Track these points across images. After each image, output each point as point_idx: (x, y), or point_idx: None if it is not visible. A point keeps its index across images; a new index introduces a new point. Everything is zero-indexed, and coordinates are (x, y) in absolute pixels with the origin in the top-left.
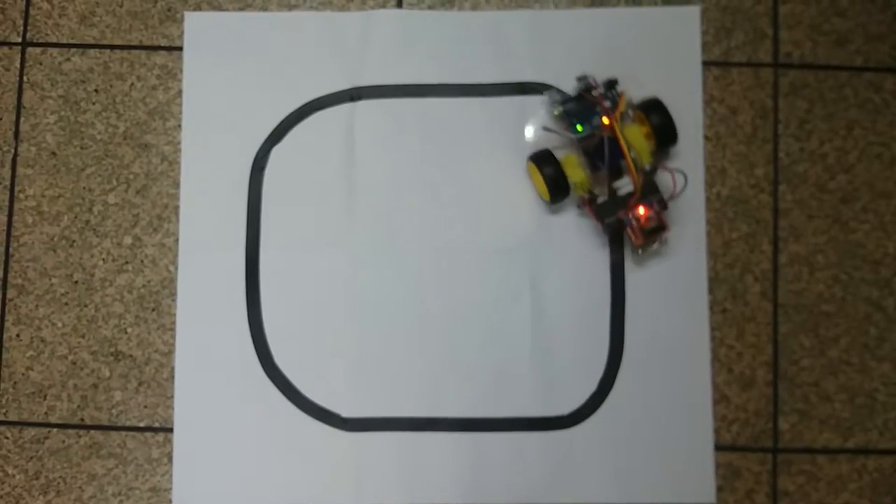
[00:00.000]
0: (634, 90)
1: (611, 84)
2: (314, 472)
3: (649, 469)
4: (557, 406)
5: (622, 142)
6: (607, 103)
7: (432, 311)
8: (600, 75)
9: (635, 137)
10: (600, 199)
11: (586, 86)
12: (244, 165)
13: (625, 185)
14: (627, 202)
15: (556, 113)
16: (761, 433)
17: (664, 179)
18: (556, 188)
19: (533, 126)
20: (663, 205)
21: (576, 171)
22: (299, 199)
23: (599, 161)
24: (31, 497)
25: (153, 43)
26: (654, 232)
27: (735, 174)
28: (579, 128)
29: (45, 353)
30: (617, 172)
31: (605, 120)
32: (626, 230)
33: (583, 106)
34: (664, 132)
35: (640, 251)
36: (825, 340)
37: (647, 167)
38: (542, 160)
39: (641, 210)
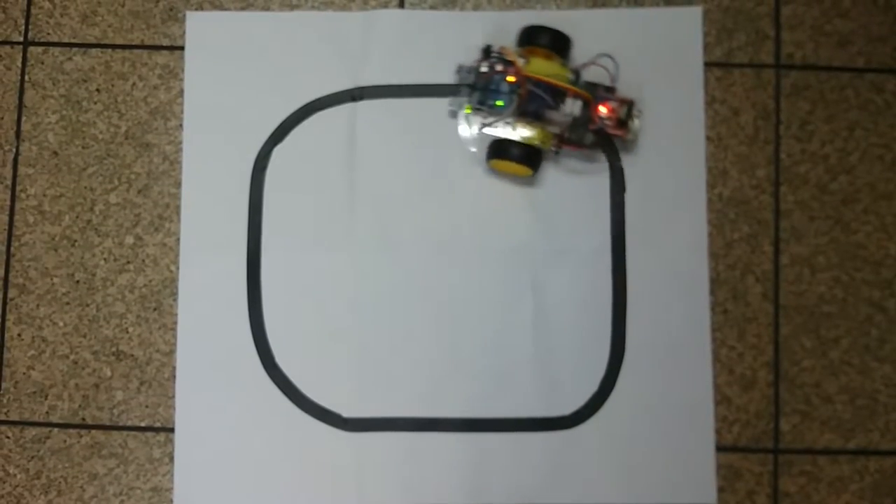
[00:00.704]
0: (636, 91)
1: (486, 51)
2: (315, 472)
3: (650, 469)
4: (559, 406)
5: (541, 78)
6: (499, 67)
7: (434, 311)
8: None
9: (543, 66)
10: (567, 134)
11: (471, 70)
12: (246, 165)
13: (572, 105)
14: (588, 114)
15: (468, 112)
16: (762, 434)
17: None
18: (532, 159)
19: (465, 131)
20: (611, 90)
21: (530, 132)
22: (301, 199)
23: (539, 108)
24: (33, 496)
25: (155, 42)
26: (628, 115)
27: (736, 175)
28: (499, 103)
29: (47, 353)
30: (559, 102)
31: (512, 78)
32: (610, 134)
33: (484, 86)
34: (557, 43)
35: (632, 137)
36: (826, 341)
37: (572, 76)
38: (502, 150)
39: (603, 109)
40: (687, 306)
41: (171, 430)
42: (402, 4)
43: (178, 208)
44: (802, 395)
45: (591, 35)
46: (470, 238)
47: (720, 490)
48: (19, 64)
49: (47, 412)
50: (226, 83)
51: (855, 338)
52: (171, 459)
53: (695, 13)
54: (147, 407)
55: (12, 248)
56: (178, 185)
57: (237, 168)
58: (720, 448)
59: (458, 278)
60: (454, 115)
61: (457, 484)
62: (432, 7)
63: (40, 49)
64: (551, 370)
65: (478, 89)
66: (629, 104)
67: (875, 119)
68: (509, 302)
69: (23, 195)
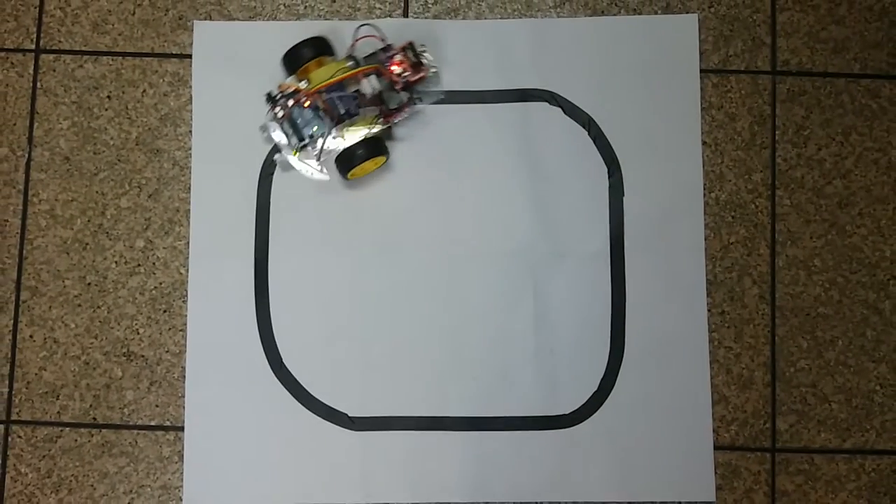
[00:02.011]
0: (634, 97)
1: (269, 97)
2: (322, 470)
3: (650, 467)
4: (559, 405)
5: (328, 83)
6: (289, 102)
7: (437, 312)
8: (597, 82)
9: (322, 74)
10: (385, 107)
11: (271, 123)
12: (253, 170)
13: (368, 83)
14: (387, 79)
15: (296, 155)
16: (760, 433)
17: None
18: (377, 147)
19: (308, 171)
20: (387, 48)
21: (358, 128)
22: (307, 204)
23: (349, 106)
24: (44, 495)
25: (165, 50)
26: (416, 56)
27: (733, 179)
28: (315, 128)
29: (59, 354)
30: (354, 92)
31: (307, 102)
32: (416, 81)
33: (292, 125)
34: (318, 48)
35: (433, 70)
36: (822, 342)
37: (351, 62)
38: (348, 159)
39: (394, 67)
40: (685, 307)
41: (181, 428)
42: (405, 13)
43: (187, 212)
44: (799, 395)
45: (590, 42)
46: (472, 241)
47: (718, 488)
48: (31, 71)
49: (59, 412)
50: (233, 90)
51: (851, 339)
52: (181, 458)
53: (691, 20)
54: (157, 406)
55: (25, 252)
56: (188, 189)
57: (245, 173)
58: (718, 447)
59: (460, 280)
60: (286, 167)
61: (460, 481)
62: (436, 16)
63: (52, 57)
64: (552, 370)
65: (289, 132)
66: (409, 47)
67: (870, 124)
68: (511, 303)
69: (35, 199)
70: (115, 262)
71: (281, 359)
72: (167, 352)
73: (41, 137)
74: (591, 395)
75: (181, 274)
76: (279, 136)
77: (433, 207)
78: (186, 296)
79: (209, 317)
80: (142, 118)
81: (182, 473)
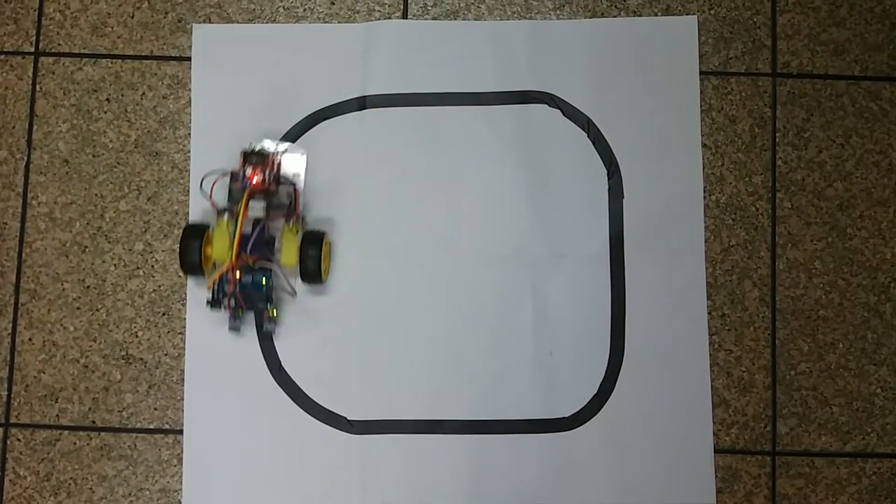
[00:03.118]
0: (634, 99)
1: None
2: (321, 474)
3: (650, 471)
4: (559, 408)
5: (231, 265)
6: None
7: (436, 315)
8: (597, 84)
9: (219, 249)
10: (285, 210)
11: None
12: None
13: (254, 209)
14: (260, 189)
15: (273, 312)
16: (760, 436)
17: None
18: (316, 237)
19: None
20: (226, 174)
21: (288, 239)
22: (306, 207)
23: (259, 247)
24: (43, 498)
25: (164, 53)
26: (261, 152)
27: (733, 182)
28: (263, 303)
29: (57, 357)
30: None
31: (230, 282)
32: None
33: (236, 305)
34: (196, 232)
35: (291, 149)
36: (823, 345)
37: (226, 216)
38: (310, 267)
39: (255, 179)
40: (685, 310)
41: (180, 432)
42: (405, 15)
43: (186, 215)
44: (799, 398)
45: (589, 44)
46: (471, 243)
47: (718, 492)
48: (30, 74)
49: (57, 415)
50: (232, 94)
51: (851, 341)
52: (180, 461)
53: (691, 22)
54: (156, 409)
55: (24, 255)
56: (187, 192)
57: None
58: (718, 450)
59: (459, 283)
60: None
61: (459, 485)
62: (435, 18)
63: (51, 59)
64: (551, 373)
65: (230, 306)
66: (245, 156)
67: (871, 126)
68: (510, 306)
69: (34, 202)
70: (114, 265)
71: (280, 362)
72: (166, 355)
73: (40, 140)
74: (590, 398)
75: (180, 277)
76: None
77: (432, 209)
78: (185, 299)
79: (208, 320)
80: (141, 121)
81: (181, 476)
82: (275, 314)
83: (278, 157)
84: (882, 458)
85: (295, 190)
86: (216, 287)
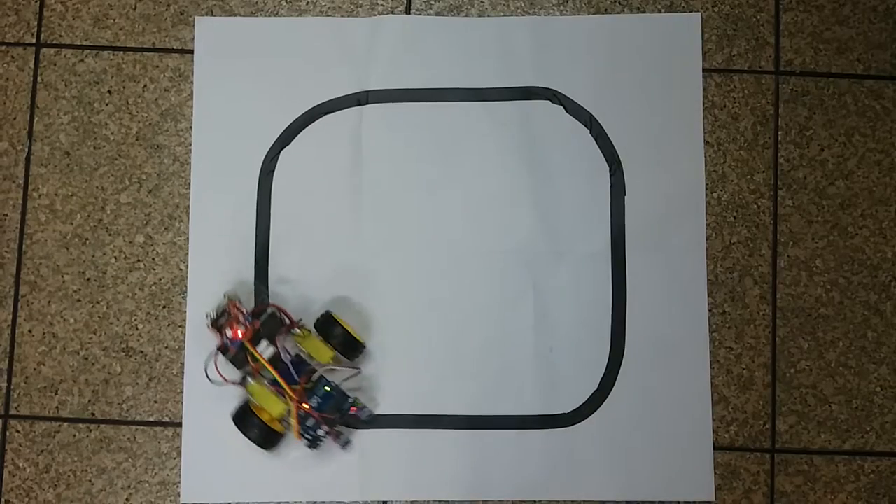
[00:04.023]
0: (636, 96)
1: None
2: (320, 468)
3: (649, 467)
4: (559, 404)
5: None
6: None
7: (437, 310)
8: (600, 81)
9: (267, 399)
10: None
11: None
12: (254, 167)
13: (265, 350)
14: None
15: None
16: (759, 434)
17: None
18: (349, 346)
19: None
20: (210, 317)
21: (315, 347)
22: (307, 201)
23: (285, 375)
24: (42, 490)
25: (166, 46)
26: (238, 309)
27: (735, 179)
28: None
29: (57, 349)
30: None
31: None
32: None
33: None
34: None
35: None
36: (823, 343)
37: (239, 375)
38: (327, 324)
39: (239, 333)
40: (686, 307)
41: (179, 424)
42: (408, 10)
43: (187, 208)
44: (799, 396)
45: (592, 41)
46: (472, 239)
47: (717, 489)
48: (32, 65)
49: (57, 407)
50: (235, 87)
51: (851, 340)
52: (179, 454)
53: (694, 20)
54: (155, 402)
55: (24, 246)
56: (188, 185)
57: (246, 169)
58: (718, 447)
59: (460, 279)
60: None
61: (458, 480)
62: (438, 13)
63: (52, 51)
64: (551, 369)
65: (328, 432)
66: (223, 311)
67: (873, 125)
68: (511, 302)
69: (35, 194)
70: (115, 258)
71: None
72: (166, 347)
73: (41, 132)
74: (590, 394)
75: (181, 270)
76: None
77: (434, 204)
78: (186, 292)
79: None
80: (142, 113)
81: (180, 469)
82: (360, 402)
83: (234, 301)
84: (881, 456)
85: (276, 308)
86: (305, 433)
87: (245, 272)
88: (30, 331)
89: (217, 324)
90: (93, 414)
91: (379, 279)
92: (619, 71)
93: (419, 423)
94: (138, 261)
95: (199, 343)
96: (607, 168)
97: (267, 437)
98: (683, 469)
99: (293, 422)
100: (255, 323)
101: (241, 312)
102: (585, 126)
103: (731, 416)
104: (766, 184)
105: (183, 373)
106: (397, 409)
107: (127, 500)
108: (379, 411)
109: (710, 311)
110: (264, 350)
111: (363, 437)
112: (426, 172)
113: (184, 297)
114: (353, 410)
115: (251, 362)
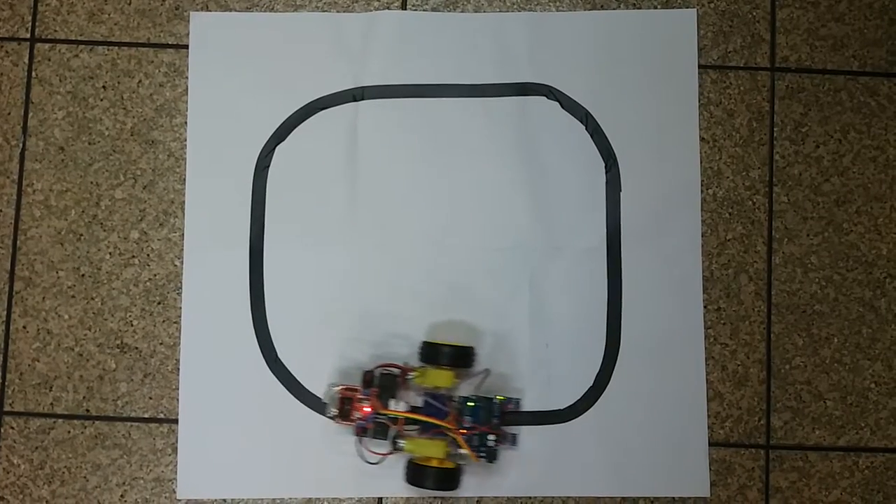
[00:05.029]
0: (632, 92)
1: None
2: (316, 464)
3: (644, 463)
4: (555, 400)
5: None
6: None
7: (432, 305)
8: (596, 77)
9: (427, 447)
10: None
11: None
12: (249, 163)
13: (396, 406)
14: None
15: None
16: (754, 430)
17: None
18: (462, 358)
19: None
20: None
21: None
22: (303, 197)
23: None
24: (36, 487)
25: (161, 41)
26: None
27: (731, 176)
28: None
29: (52, 345)
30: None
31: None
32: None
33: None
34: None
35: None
36: (818, 340)
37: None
38: (433, 354)
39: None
40: (681, 304)
41: (175, 421)
42: (404, 6)
43: (182, 204)
44: (794, 392)
45: (588, 36)
46: (468, 234)
47: (712, 485)
48: (26, 60)
49: (52, 403)
50: (230, 82)
51: (846, 336)
52: (174, 450)
53: (690, 16)
54: (151, 399)
55: (19, 242)
56: (183, 181)
57: (241, 165)
58: (713, 443)
59: (456, 274)
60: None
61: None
62: (434, 8)
63: (47, 46)
64: (547, 365)
65: (497, 434)
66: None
67: (868, 121)
68: (506, 297)
69: (29, 190)
70: (110, 254)
71: (275, 352)
72: (161, 344)
73: (36, 127)
74: (586, 390)
75: (176, 266)
76: None
77: (429, 200)
78: (181, 288)
79: (204, 309)
80: (137, 109)
81: (175, 466)
82: (503, 396)
83: (343, 386)
84: (875, 452)
85: (380, 366)
86: (484, 447)
87: (240, 267)
88: (24, 327)
89: (344, 414)
90: (87, 410)
91: (374, 274)
92: (614, 67)
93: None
94: (133, 256)
95: (195, 339)
96: (603, 164)
97: (448, 480)
98: (678, 465)
99: (465, 449)
100: (373, 392)
101: (355, 390)
102: (581, 122)
103: (726, 413)
104: (761, 180)
105: (178, 369)
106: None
107: (122, 496)
108: None
109: (705, 307)
110: (397, 407)
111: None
112: (421, 168)
113: (179, 294)
114: (507, 408)
115: (393, 425)
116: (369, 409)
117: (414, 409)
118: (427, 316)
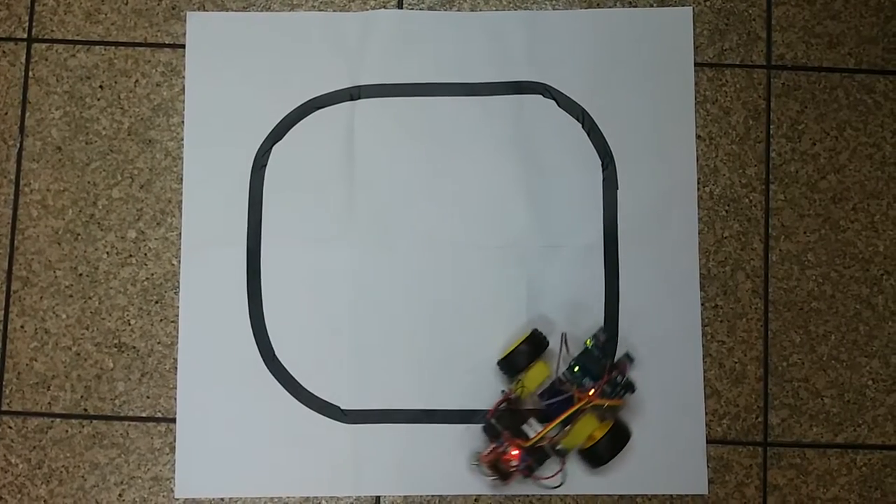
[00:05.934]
0: (628, 90)
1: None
2: (314, 463)
3: (642, 460)
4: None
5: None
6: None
7: (430, 305)
8: (592, 75)
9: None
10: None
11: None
12: (246, 162)
13: (532, 428)
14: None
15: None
16: (752, 427)
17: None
18: (536, 348)
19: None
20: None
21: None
22: (300, 196)
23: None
24: (34, 486)
25: (157, 40)
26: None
27: (727, 173)
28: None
29: (49, 345)
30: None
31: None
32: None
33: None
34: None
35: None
36: (815, 337)
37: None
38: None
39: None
40: (678, 301)
41: (172, 420)
42: (400, 5)
43: (179, 203)
44: (791, 390)
45: (584, 35)
46: (465, 233)
47: (710, 482)
48: (23, 60)
49: (49, 403)
50: (226, 82)
51: (843, 333)
52: (172, 449)
53: (686, 14)
54: (148, 398)
55: (16, 242)
56: (180, 180)
57: (237, 164)
58: (710, 441)
59: (453, 273)
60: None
61: (452, 474)
62: (430, 8)
63: (44, 46)
64: None
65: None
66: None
67: (865, 119)
68: (504, 296)
69: (27, 189)
70: (107, 253)
71: (273, 351)
72: (159, 343)
73: (33, 127)
74: None
75: (173, 265)
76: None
77: (426, 199)
78: (178, 287)
79: (201, 308)
80: (134, 108)
81: (173, 465)
82: (590, 340)
83: (491, 446)
84: (873, 449)
85: (495, 406)
86: (620, 387)
87: (237, 266)
88: (22, 326)
89: (504, 475)
90: (85, 410)
91: (371, 273)
92: (611, 65)
93: (412, 418)
94: (130, 256)
95: (193, 338)
96: (599, 162)
97: (619, 436)
98: (676, 462)
99: (610, 404)
100: (505, 436)
101: (494, 440)
102: (578, 120)
103: (724, 410)
104: (757, 178)
105: (175, 368)
106: (391, 404)
107: (120, 495)
108: (372, 406)
109: (702, 304)
110: (535, 428)
111: (356, 432)
112: (418, 167)
113: (176, 293)
114: (601, 340)
115: (549, 435)
116: (517, 452)
117: (546, 417)
118: (425, 312)
